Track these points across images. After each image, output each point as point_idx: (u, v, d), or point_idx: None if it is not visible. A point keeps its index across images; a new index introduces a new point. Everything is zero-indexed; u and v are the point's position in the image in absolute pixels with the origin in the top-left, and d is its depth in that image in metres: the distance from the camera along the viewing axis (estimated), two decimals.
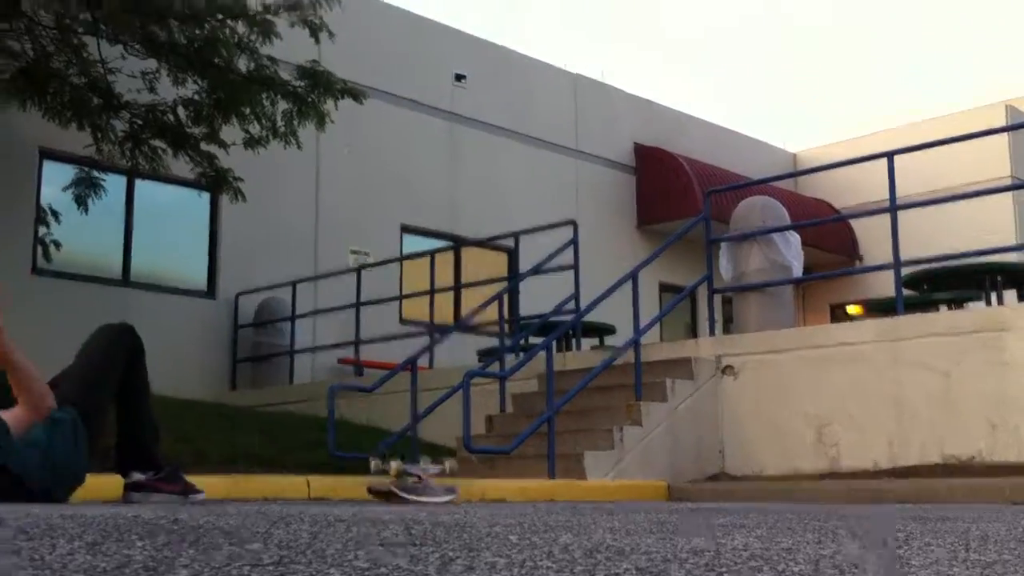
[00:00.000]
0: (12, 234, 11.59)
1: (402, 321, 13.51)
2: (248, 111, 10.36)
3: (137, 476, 4.53)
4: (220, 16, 9.85)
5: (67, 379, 4.38)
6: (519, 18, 39.87)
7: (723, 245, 9.25)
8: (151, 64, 10.27)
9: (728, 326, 10.21)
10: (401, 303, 13.43)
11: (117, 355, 4.47)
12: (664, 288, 16.83)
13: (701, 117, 19.99)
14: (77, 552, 1.83)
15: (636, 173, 18.31)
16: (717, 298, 9.41)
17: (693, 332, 16.92)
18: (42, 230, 12.10)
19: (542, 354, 8.41)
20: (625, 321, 9.39)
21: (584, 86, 17.88)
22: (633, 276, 8.71)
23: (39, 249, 12.02)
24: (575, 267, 9.98)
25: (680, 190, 17.50)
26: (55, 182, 11.99)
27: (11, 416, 3.94)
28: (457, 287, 13.37)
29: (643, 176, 18.26)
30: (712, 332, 9.27)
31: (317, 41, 10.30)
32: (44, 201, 12.08)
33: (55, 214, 12.19)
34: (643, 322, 8.68)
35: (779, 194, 11.49)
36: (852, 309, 18.29)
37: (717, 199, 10.05)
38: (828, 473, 7.77)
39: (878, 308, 10.89)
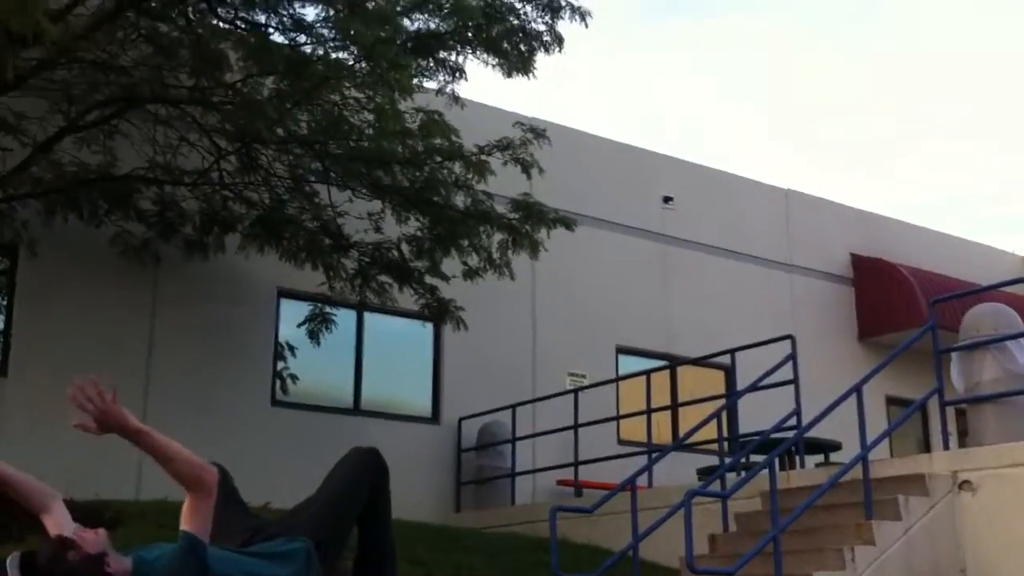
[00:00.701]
0: (253, 369, 12.43)
1: (620, 441, 13.51)
2: (466, 244, 10.86)
3: None
4: (439, 159, 10.46)
5: (310, 505, 4.56)
6: (722, 138, 40.06)
7: (953, 355, 8.88)
8: (376, 206, 10.96)
9: (963, 439, 9.70)
10: (618, 424, 13.45)
11: (364, 477, 4.58)
12: (891, 401, 16.14)
13: (920, 224, 19.36)
14: None
15: (855, 285, 17.83)
16: (950, 411, 9.00)
17: (925, 447, 16.07)
18: (280, 364, 12.92)
19: (764, 472, 8.24)
20: (851, 437, 9.08)
21: (795, 200, 17.72)
22: (858, 389, 8.46)
23: (277, 382, 12.82)
24: (795, 382, 9.78)
25: (903, 300, 16.88)
26: (290, 319, 12.84)
27: (186, 509, 3.91)
28: (674, 406, 13.29)
29: (862, 287, 17.74)
30: (946, 446, 8.85)
31: (528, 176, 10.76)
32: (281, 337, 12.94)
33: (291, 348, 13.02)
34: (870, 437, 8.38)
35: (1010, 300, 10.96)
36: None
37: (943, 308, 9.67)
38: None
39: None
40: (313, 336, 11.70)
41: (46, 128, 9.83)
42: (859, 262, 17.88)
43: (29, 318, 11.36)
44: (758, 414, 10.79)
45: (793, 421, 9.58)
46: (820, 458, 11.81)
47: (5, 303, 11.61)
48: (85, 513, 6.81)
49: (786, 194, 17.68)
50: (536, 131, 10.71)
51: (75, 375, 12.50)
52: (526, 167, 10.61)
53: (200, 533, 3.84)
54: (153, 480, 11.36)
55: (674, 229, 16.13)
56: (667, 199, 16.23)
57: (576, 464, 12.16)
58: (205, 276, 11.94)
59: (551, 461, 12.79)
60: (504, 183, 10.87)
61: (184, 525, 3.86)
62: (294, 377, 12.99)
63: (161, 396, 11.68)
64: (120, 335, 11.66)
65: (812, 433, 9.24)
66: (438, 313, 11.56)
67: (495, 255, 10.99)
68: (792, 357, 9.76)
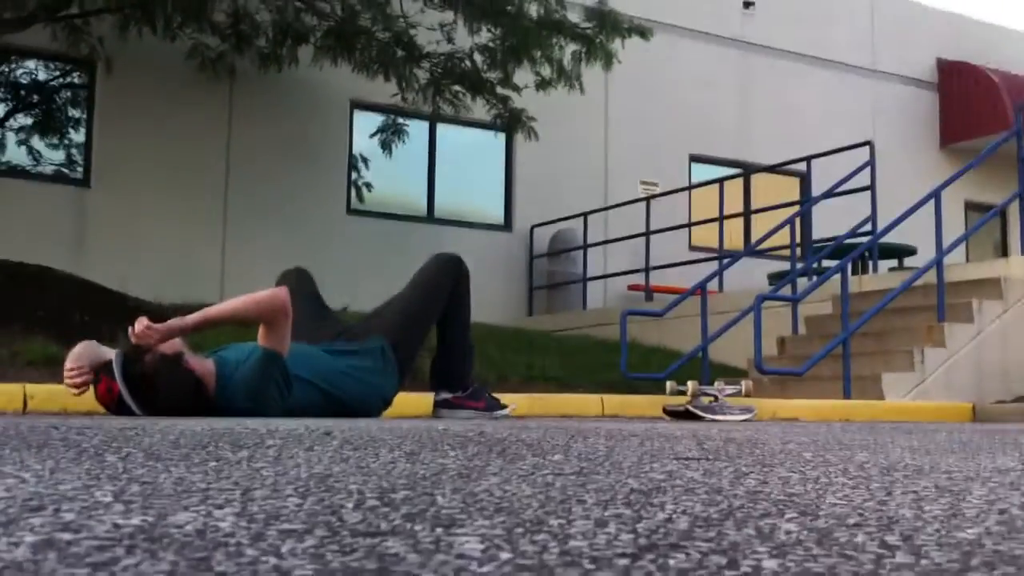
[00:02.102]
0: (329, 179, 12.68)
1: (691, 248, 13.62)
2: (539, 55, 10.73)
3: (445, 394, 4.97)
4: None
5: (388, 308, 4.82)
6: None
7: None
8: (448, 16, 10.84)
9: None
10: (690, 231, 13.53)
11: (445, 283, 4.80)
12: (970, 207, 15.90)
13: (1009, 27, 18.52)
14: (398, 461, 1.99)
15: (939, 90, 17.29)
16: None
17: (1003, 252, 15.93)
18: (354, 175, 13.13)
19: (836, 277, 8.32)
20: (927, 243, 9.07)
21: (880, 3, 17.03)
22: (936, 195, 8.39)
23: (352, 192, 13.07)
24: (871, 188, 9.71)
25: (988, 104, 16.35)
26: (364, 130, 12.96)
27: (262, 330, 4.11)
28: (747, 213, 13.29)
29: (947, 93, 17.21)
30: None
31: None
32: (355, 148, 13.10)
33: (365, 160, 13.20)
34: (947, 242, 8.36)
35: None
36: None
37: None
38: None
39: None
40: (386, 147, 11.80)
41: None
42: (944, 66, 17.27)
43: (109, 132, 11.65)
44: (833, 222, 10.77)
45: (868, 227, 9.55)
46: (894, 263, 11.80)
47: (85, 117, 11.89)
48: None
49: None
50: None
51: (155, 186, 12.96)
52: None
53: (280, 350, 4.09)
54: (236, 282, 11.92)
55: (754, 35, 15.70)
56: (747, 4, 15.75)
57: (647, 269, 12.34)
58: (280, 89, 12.05)
59: (622, 267, 13.00)
60: None
61: (262, 342, 4.09)
62: (369, 186, 13.22)
63: (240, 207, 12.02)
64: (198, 147, 11.93)
65: (888, 239, 9.24)
66: (510, 123, 11.55)
67: (567, 67, 10.85)
68: (870, 163, 9.65)
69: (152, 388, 3.86)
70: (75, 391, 3.92)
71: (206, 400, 3.98)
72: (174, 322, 4.00)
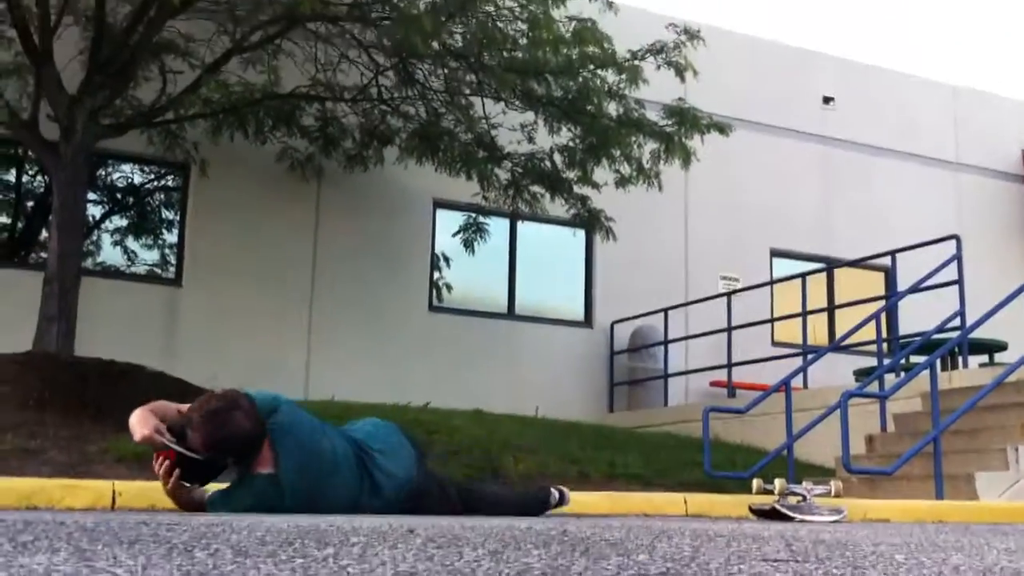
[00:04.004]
0: (412, 276, 12.87)
1: (773, 343, 13.45)
2: (618, 153, 10.86)
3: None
4: (591, 67, 10.43)
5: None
6: (884, 35, 38.20)
7: None
8: (529, 117, 11.05)
9: None
10: (773, 326, 13.38)
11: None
12: None
13: None
14: (482, 559, 2.00)
15: None
16: None
17: None
18: (436, 274, 13.32)
19: (924, 373, 8.12)
20: (1018, 338, 8.85)
21: (963, 96, 16.92)
22: None
23: (434, 290, 13.23)
24: (959, 282, 9.53)
25: None
26: (446, 228, 13.17)
27: None
28: (831, 308, 13.10)
29: None
30: None
31: (683, 80, 10.61)
32: (437, 246, 13.30)
33: (447, 259, 13.39)
34: None
35: None
36: None
37: None
38: None
39: None
40: (468, 245, 11.97)
41: (213, 50, 10.24)
42: None
43: (201, 232, 12.01)
44: (918, 317, 10.56)
45: (956, 322, 9.35)
46: (984, 359, 11.49)
47: (178, 218, 12.29)
48: None
49: (954, 90, 16.91)
50: (690, 32, 10.51)
51: (244, 285, 13.28)
52: (680, 70, 10.45)
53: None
54: (320, 382, 12.06)
55: (835, 130, 15.70)
56: (827, 99, 15.78)
57: (729, 365, 12.19)
58: (365, 188, 12.35)
59: (703, 363, 12.87)
60: (657, 90, 10.77)
61: None
62: (449, 287, 13.39)
63: (325, 305, 12.24)
64: (285, 247, 12.23)
65: (977, 334, 9.03)
66: (589, 223, 11.66)
67: (646, 164, 10.95)
68: (957, 256, 9.49)
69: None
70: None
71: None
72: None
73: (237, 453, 4.26)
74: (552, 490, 5.34)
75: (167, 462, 4.21)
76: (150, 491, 4.37)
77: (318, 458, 4.45)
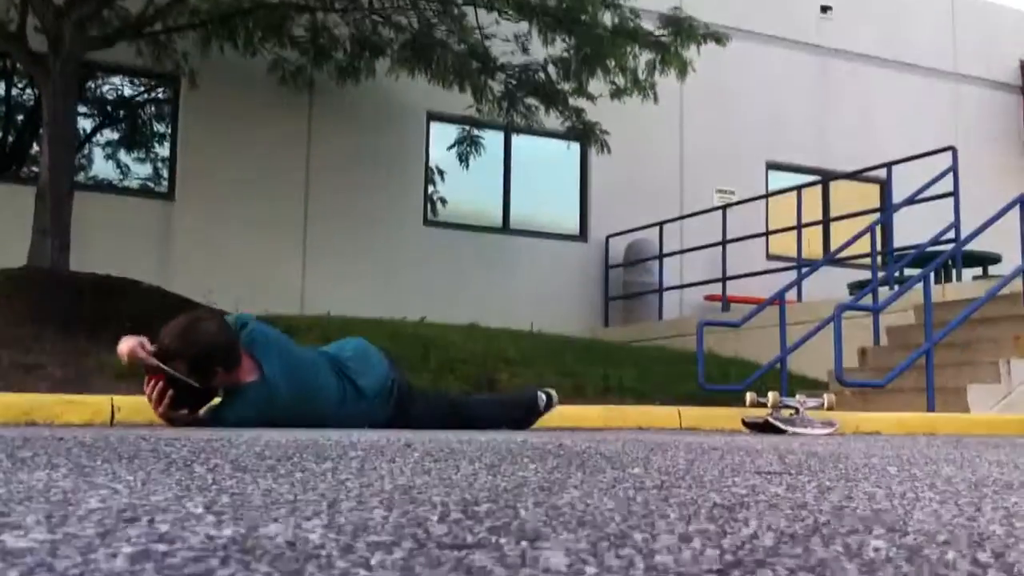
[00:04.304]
0: (406, 190, 12.80)
1: (768, 257, 13.47)
2: (613, 64, 10.72)
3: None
4: None
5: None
6: None
7: None
8: (523, 27, 10.88)
9: None
10: (767, 239, 13.37)
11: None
12: None
13: None
14: (479, 473, 2.01)
15: (1023, 93, 16.87)
16: None
17: None
18: (430, 188, 13.24)
19: (918, 286, 8.16)
20: (1012, 250, 8.86)
21: (961, 6, 16.68)
22: (1021, 200, 8.20)
23: (429, 204, 13.17)
24: (955, 194, 9.50)
25: None
26: (441, 141, 13.07)
27: None
28: (826, 220, 13.09)
29: None
30: None
31: None
32: (432, 160, 13.21)
33: (441, 172, 13.30)
34: None
35: None
36: None
37: None
38: None
39: None
40: (462, 158, 11.88)
41: None
42: None
43: (192, 145, 11.91)
44: (914, 229, 10.57)
45: (951, 234, 9.36)
46: (978, 272, 11.54)
47: (170, 131, 12.18)
48: None
49: (952, 1, 16.66)
50: None
51: (237, 198, 13.23)
52: None
53: None
54: (315, 297, 12.09)
55: (832, 40, 15.50)
56: (825, 8, 15.55)
57: (724, 279, 12.22)
58: (357, 101, 12.21)
59: (698, 277, 12.90)
60: None
61: None
62: (443, 201, 13.32)
63: (319, 217, 12.20)
64: (278, 159, 12.14)
65: (972, 246, 9.04)
66: (583, 135, 11.55)
67: (641, 76, 10.82)
68: (952, 168, 9.45)
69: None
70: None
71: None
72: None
73: (220, 361, 4.31)
74: (539, 393, 5.36)
75: (159, 385, 4.25)
76: (149, 407, 4.40)
77: (299, 360, 4.62)
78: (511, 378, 7.55)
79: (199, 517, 1.28)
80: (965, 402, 7.39)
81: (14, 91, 12.14)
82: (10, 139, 12.23)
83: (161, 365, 4.25)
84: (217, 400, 4.47)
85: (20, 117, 12.34)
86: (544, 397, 5.33)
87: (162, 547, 1.06)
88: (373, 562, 1.00)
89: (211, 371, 4.32)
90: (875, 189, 14.36)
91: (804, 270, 10.20)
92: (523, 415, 5.23)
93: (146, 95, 12.72)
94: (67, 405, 4.75)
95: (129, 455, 2.23)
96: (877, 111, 15.50)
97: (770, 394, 6.22)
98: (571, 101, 11.18)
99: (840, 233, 11.64)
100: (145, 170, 12.33)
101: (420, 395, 5.04)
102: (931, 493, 1.84)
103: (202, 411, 4.41)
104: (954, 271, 10.11)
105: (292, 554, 1.03)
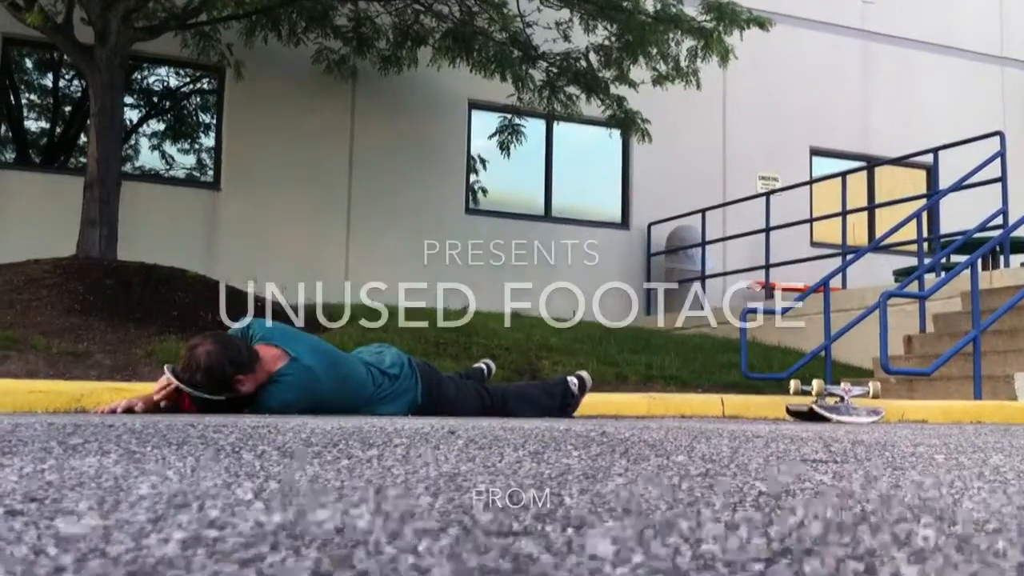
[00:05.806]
0: (448, 178, 12.83)
1: (812, 244, 13.34)
2: (655, 51, 10.65)
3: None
4: None
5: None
6: None
7: None
8: (564, 15, 10.85)
9: None
10: (811, 226, 13.25)
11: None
12: None
13: None
14: (523, 460, 2.02)
15: None
16: None
17: None
18: (472, 176, 13.26)
19: (965, 273, 8.05)
20: None
21: None
22: None
23: (470, 193, 13.19)
24: (1003, 180, 9.35)
25: None
26: (482, 130, 13.07)
27: None
28: (871, 207, 12.94)
29: None
30: None
31: None
32: (473, 147, 13.22)
33: (483, 160, 13.32)
34: None
35: None
36: None
37: None
38: None
39: None
40: (504, 146, 11.88)
41: None
42: None
43: (238, 135, 12.02)
44: (961, 215, 10.43)
45: (998, 221, 9.21)
46: None
47: (215, 122, 12.29)
48: (306, 314, 7.39)
49: None
50: None
51: (282, 187, 13.28)
52: None
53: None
54: (359, 280, 12.15)
55: (876, 25, 15.30)
56: None
57: (767, 266, 12.12)
58: (400, 90, 12.26)
59: (741, 265, 12.81)
60: None
61: None
62: (484, 191, 13.34)
63: (362, 205, 12.27)
64: (322, 148, 12.22)
65: (1020, 232, 8.90)
66: (624, 124, 11.50)
67: (683, 63, 10.75)
68: (1000, 153, 9.30)
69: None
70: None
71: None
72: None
73: (235, 370, 4.31)
74: (569, 378, 5.36)
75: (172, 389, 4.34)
76: None
77: (319, 342, 4.73)
78: (553, 366, 7.55)
79: (248, 503, 1.29)
80: (1012, 390, 7.28)
81: (62, 83, 12.30)
82: (58, 130, 12.40)
83: (184, 387, 4.30)
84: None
85: (68, 108, 12.51)
86: (576, 381, 5.32)
87: (213, 533, 1.07)
88: (420, 548, 1.01)
89: (233, 381, 4.33)
90: (921, 175, 14.19)
91: (849, 257, 10.09)
92: (558, 403, 5.22)
93: (191, 85, 12.84)
94: (117, 392, 4.82)
95: (178, 441, 2.27)
96: (922, 96, 15.29)
97: (815, 382, 6.17)
98: (612, 89, 11.14)
99: (885, 219, 11.52)
100: (191, 160, 12.46)
101: (448, 378, 5.07)
102: (979, 482, 1.82)
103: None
104: (1001, 257, 9.96)
105: (340, 540, 1.04)
